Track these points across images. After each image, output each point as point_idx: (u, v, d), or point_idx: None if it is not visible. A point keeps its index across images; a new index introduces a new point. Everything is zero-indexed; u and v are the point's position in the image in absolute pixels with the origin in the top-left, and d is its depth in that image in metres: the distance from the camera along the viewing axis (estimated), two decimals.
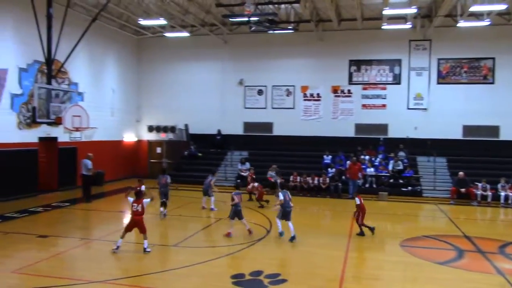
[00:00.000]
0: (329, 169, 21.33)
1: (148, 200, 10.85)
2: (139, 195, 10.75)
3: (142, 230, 10.44)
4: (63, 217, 14.58)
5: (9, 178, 16.92)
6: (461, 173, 19.30)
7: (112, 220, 12.75)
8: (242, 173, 21.99)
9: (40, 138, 18.96)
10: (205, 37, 25.14)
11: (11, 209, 15.20)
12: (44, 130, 18.82)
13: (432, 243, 12.15)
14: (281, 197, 12.13)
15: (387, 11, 19.02)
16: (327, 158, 22.41)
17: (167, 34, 24.33)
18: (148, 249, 10.38)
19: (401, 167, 21.13)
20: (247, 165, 22.46)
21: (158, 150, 26.78)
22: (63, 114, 15.11)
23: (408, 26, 21.15)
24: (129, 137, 26.40)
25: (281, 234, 12.08)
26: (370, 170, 21.11)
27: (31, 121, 17.27)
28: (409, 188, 20.47)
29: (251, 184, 18.42)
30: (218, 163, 24.20)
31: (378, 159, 21.89)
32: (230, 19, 21.89)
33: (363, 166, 21.11)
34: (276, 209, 12.34)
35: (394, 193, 20.08)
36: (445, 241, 12.20)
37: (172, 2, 20.53)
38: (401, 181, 20.90)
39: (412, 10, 19.07)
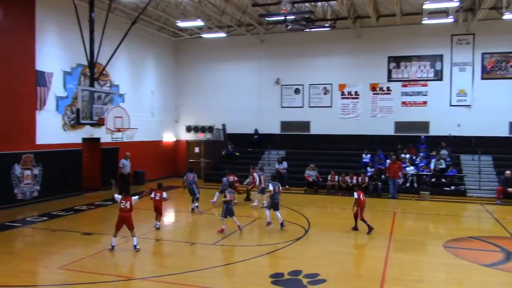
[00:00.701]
0: (368, 168, 20.96)
1: (136, 197, 10.94)
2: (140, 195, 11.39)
3: (130, 227, 10.62)
4: (106, 216, 14.99)
5: (55, 177, 17.60)
6: (508, 172, 18.50)
7: (151, 218, 13.00)
8: (280, 172, 21.96)
9: (84, 139, 19.62)
10: (242, 37, 25.26)
11: (57, 208, 15.80)
12: (87, 131, 19.47)
13: (478, 244, 11.71)
14: (271, 187, 12.85)
15: (427, 5, 18.46)
16: (366, 157, 22.03)
17: (204, 35, 24.62)
18: (138, 247, 10.54)
19: (443, 165, 20.50)
20: (285, 164, 22.42)
21: (196, 150, 27.13)
22: (105, 115, 15.53)
23: (450, 20, 20.46)
24: (168, 137, 26.88)
25: (268, 223, 12.80)
26: (411, 169, 20.60)
27: (75, 123, 17.91)
28: (452, 187, 19.83)
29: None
30: (256, 162, 24.24)
31: (419, 158, 21.32)
32: (267, 19, 21.88)
33: (403, 165, 20.63)
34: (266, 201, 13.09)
35: (436, 192, 19.51)
36: (492, 242, 11.73)
37: (209, 3, 20.76)
38: (443, 180, 20.28)
39: (454, 4, 18.42)
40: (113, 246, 10.51)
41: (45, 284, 8.75)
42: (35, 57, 17.02)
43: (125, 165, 18.63)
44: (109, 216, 15.05)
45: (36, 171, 17.06)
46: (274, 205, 12.90)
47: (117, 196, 10.88)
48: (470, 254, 10.64)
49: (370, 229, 12.41)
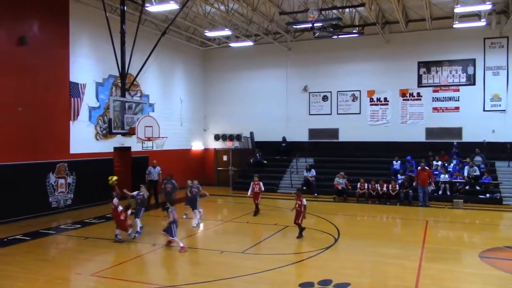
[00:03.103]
0: (399, 176, 20.58)
1: (116, 200, 12.15)
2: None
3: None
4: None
5: (88, 186, 18.01)
6: None
7: (181, 227, 13.13)
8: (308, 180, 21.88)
9: (115, 148, 20.04)
10: (269, 45, 25.35)
11: (90, 215, 16.15)
12: (118, 141, 19.90)
13: None
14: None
15: (458, 9, 18.11)
16: (396, 164, 21.65)
17: (232, 44, 24.83)
18: (119, 237, 12.00)
19: (477, 173, 19.92)
20: (313, 172, 22.28)
21: (225, 158, 27.29)
22: (136, 124, 15.81)
23: (482, 23, 19.96)
24: (197, 146, 27.15)
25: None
26: (444, 177, 20.10)
27: (107, 132, 18.35)
28: (487, 195, 19.25)
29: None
30: (284, 170, 24.22)
31: (452, 165, 20.79)
32: (294, 26, 21.91)
33: (436, 172, 20.17)
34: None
35: (470, 200, 18.96)
36: None
37: (237, 12, 20.94)
38: (478, 187, 19.71)
39: (487, 7, 18.01)
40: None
41: None
42: (69, 69, 17.56)
43: (151, 172, 18.96)
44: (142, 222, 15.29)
45: (69, 179, 17.52)
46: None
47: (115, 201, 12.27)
48: (508, 264, 10.27)
49: (301, 232, 12.61)
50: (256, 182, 16.53)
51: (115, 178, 13.86)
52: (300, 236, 12.66)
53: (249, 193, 16.73)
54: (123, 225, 12.36)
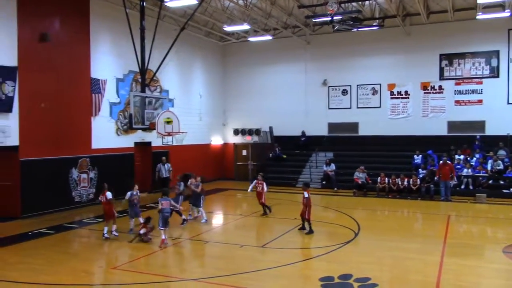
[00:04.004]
0: (420, 170, 20.31)
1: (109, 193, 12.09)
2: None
3: (107, 217, 12.05)
4: (157, 218, 15.36)
5: (109, 180, 18.17)
6: None
7: (191, 225, 13.27)
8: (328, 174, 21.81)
9: (136, 143, 20.28)
10: (288, 39, 25.23)
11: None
12: (139, 136, 20.13)
13: None
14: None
15: (482, 0, 17.69)
16: (418, 158, 21.38)
17: (251, 39, 24.80)
18: (106, 235, 11.89)
19: (501, 167, 19.51)
20: (333, 166, 22.18)
21: (244, 152, 27.34)
22: (156, 120, 15.96)
23: (506, 14, 19.44)
24: (216, 141, 27.27)
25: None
26: (467, 171, 19.76)
27: (128, 128, 18.55)
28: (511, 189, 18.84)
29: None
30: (303, 164, 24.15)
31: (475, 159, 20.41)
32: (313, 20, 21.74)
33: (458, 166, 19.83)
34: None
35: (493, 195, 18.59)
36: None
37: (255, 6, 20.89)
38: (501, 182, 19.31)
39: None
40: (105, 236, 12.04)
41: (102, 284, 9.10)
42: (90, 65, 17.80)
43: (160, 169, 19.08)
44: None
45: (92, 174, 17.82)
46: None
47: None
48: None
49: (310, 230, 12.46)
50: (259, 181, 15.41)
51: None
52: (310, 232, 12.46)
53: (249, 189, 16.01)
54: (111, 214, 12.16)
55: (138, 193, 13.12)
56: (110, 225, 12.20)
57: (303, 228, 12.70)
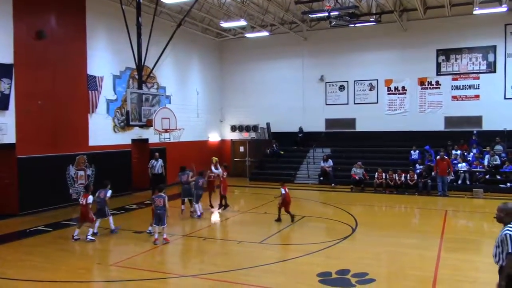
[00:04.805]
0: (417, 165, 20.37)
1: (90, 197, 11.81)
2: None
3: (83, 219, 11.81)
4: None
5: (107, 177, 18.13)
6: None
7: (188, 221, 13.30)
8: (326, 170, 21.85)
9: (133, 140, 20.26)
10: (285, 35, 25.20)
11: (109, 207, 16.32)
12: (136, 133, 20.11)
13: None
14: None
15: None
16: (415, 154, 21.43)
17: (248, 35, 24.76)
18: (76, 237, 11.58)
19: (498, 162, 19.58)
20: (330, 162, 22.22)
21: (241, 149, 27.35)
22: (153, 116, 15.93)
23: (503, 9, 19.48)
24: (214, 137, 27.26)
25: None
26: (463, 166, 19.82)
27: (125, 124, 18.52)
28: (508, 184, 18.91)
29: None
30: (300, 160, 24.18)
31: (472, 154, 20.47)
32: (310, 15, 21.69)
33: (455, 162, 19.89)
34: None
35: (490, 190, 18.65)
36: None
37: (252, 3, 20.85)
38: (498, 177, 19.38)
39: None
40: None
41: (100, 280, 9.11)
42: (86, 62, 17.74)
43: (154, 165, 19.04)
44: None
45: (89, 171, 17.79)
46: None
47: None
48: None
49: (292, 218, 13.37)
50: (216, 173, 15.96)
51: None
52: (292, 221, 13.30)
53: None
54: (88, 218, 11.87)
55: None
56: (86, 228, 11.75)
57: (279, 219, 13.53)
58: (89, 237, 11.57)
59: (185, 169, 15.22)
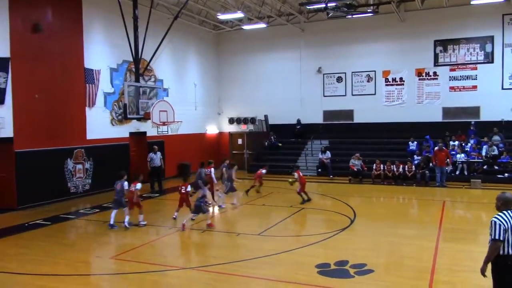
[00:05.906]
0: (415, 156, 20.41)
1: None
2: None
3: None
4: (154, 207, 15.43)
5: (105, 171, 18.23)
6: None
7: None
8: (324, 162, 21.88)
9: (131, 133, 20.22)
10: (282, 27, 25.10)
11: (107, 200, 16.33)
12: (134, 126, 20.07)
13: None
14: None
15: None
16: (413, 145, 21.47)
17: (245, 27, 24.66)
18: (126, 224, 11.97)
19: (496, 152, 19.64)
20: (328, 154, 22.24)
21: (239, 141, 27.35)
22: (151, 109, 15.90)
23: None
24: (212, 130, 27.24)
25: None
26: (461, 156, 19.87)
27: (123, 118, 18.48)
28: (506, 174, 18.97)
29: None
30: (299, 152, 24.20)
31: (469, 145, 20.51)
32: (307, 7, 21.62)
33: (453, 152, 19.93)
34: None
35: (488, 180, 18.70)
36: None
37: None
38: (496, 167, 19.45)
39: None
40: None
41: (100, 273, 9.13)
42: (83, 55, 17.65)
43: (153, 158, 19.01)
44: (156, 207, 15.55)
45: (87, 165, 17.78)
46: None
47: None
48: None
49: (306, 200, 14.95)
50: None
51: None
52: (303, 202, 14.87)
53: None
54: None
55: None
56: (134, 215, 12.44)
57: (308, 199, 15.08)
58: (142, 222, 12.39)
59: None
